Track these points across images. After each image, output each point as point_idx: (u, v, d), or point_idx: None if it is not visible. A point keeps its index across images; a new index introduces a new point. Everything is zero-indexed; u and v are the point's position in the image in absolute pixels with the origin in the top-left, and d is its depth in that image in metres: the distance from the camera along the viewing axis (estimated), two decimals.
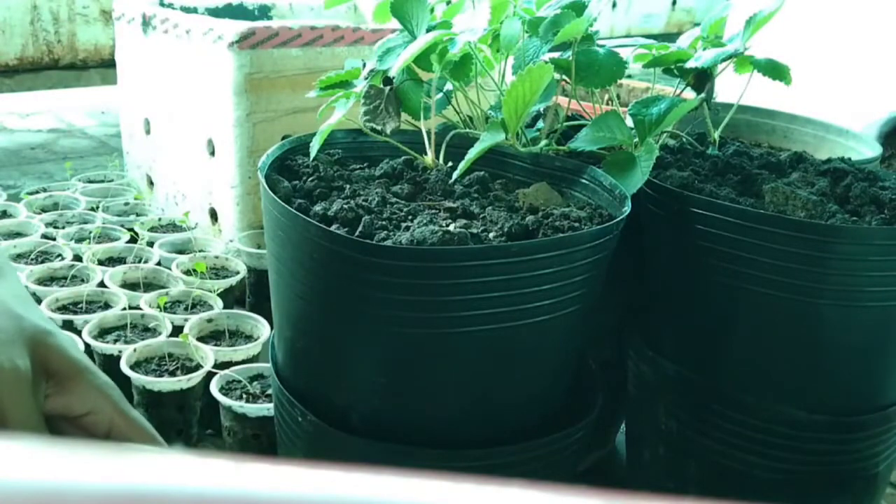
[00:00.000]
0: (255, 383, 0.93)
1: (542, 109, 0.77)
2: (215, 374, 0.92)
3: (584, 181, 0.71)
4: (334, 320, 0.61)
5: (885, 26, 1.73)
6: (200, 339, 1.00)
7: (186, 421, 0.93)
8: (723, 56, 0.77)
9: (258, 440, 0.89)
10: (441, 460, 0.61)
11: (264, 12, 1.62)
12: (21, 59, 2.14)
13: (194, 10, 1.48)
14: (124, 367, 0.91)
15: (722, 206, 0.65)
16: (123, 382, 0.91)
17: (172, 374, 0.93)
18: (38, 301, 1.05)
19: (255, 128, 1.23)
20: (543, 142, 0.74)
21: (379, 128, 0.71)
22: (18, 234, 1.29)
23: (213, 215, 1.34)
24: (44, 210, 1.41)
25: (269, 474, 0.19)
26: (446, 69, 0.74)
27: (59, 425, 0.52)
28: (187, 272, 1.15)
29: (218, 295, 1.09)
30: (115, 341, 0.98)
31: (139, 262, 1.19)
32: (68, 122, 2.42)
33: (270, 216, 0.63)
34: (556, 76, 0.72)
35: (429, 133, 0.73)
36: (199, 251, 1.24)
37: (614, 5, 3.76)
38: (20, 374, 0.48)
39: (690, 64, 0.78)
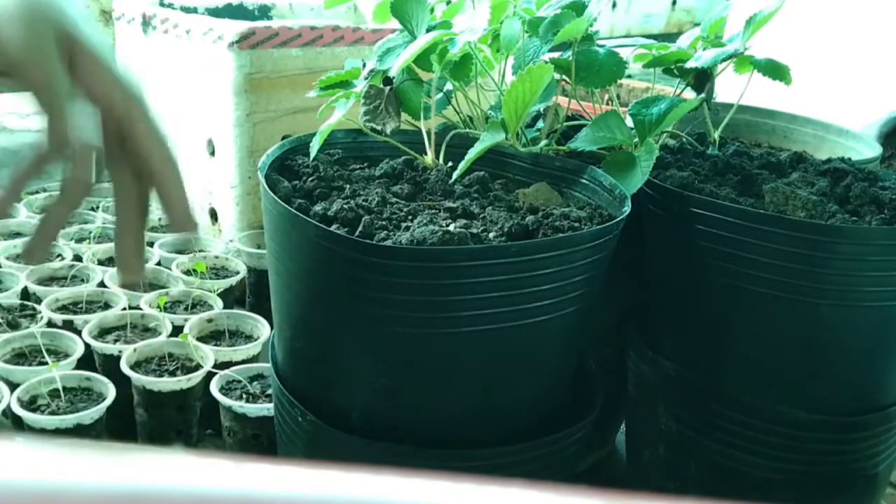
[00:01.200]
0: (255, 383, 0.93)
1: (542, 109, 0.77)
2: (215, 374, 0.92)
3: (584, 181, 0.71)
4: (334, 320, 0.61)
5: (886, 27, 1.73)
6: (200, 339, 1.00)
7: (186, 421, 0.93)
8: (723, 56, 0.77)
9: (258, 440, 0.89)
10: (441, 460, 0.61)
11: (264, 12, 1.62)
12: None
13: (194, 10, 1.48)
14: (124, 367, 0.91)
15: (722, 206, 0.65)
16: (123, 382, 0.91)
17: (172, 374, 0.93)
18: (38, 301, 1.05)
19: (255, 128, 1.23)
20: (543, 142, 0.74)
21: (379, 128, 0.71)
22: (18, 235, 1.29)
23: (213, 215, 1.34)
24: (44, 210, 1.41)
25: (269, 474, 0.19)
26: (446, 69, 0.74)
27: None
28: (187, 272, 1.15)
29: (218, 295, 1.09)
30: (115, 341, 0.98)
31: None
32: None
33: (270, 216, 0.63)
34: (556, 76, 0.72)
35: (429, 133, 0.73)
36: (199, 251, 1.24)
37: (614, 5, 3.76)
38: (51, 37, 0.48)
39: (690, 64, 0.78)
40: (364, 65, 0.75)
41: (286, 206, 0.60)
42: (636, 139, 0.71)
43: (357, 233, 0.59)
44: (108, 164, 0.54)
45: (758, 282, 0.65)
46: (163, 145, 0.53)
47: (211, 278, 1.15)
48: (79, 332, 0.97)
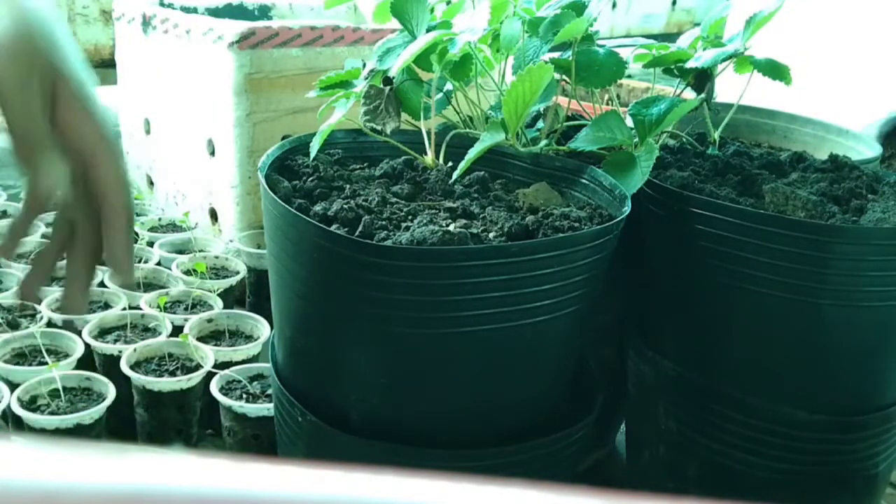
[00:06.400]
0: (255, 383, 0.93)
1: (542, 109, 0.77)
2: (215, 374, 0.92)
3: (584, 181, 0.71)
4: (334, 320, 0.61)
5: (886, 27, 1.73)
6: (200, 339, 1.00)
7: (186, 421, 0.93)
8: (723, 56, 0.77)
9: (258, 440, 0.89)
10: (441, 460, 0.61)
11: (264, 12, 1.62)
12: None
13: (194, 10, 1.48)
14: (124, 367, 0.91)
15: (722, 207, 0.65)
16: (123, 382, 0.91)
17: (172, 374, 0.93)
18: (38, 301, 1.05)
19: (255, 128, 1.23)
20: (543, 142, 0.74)
21: (379, 128, 0.71)
22: None
23: (213, 215, 1.34)
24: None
25: (269, 474, 0.19)
26: (446, 69, 0.74)
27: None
28: (187, 272, 1.15)
29: (218, 295, 1.09)
30: (115, 341, 0.98)
31: (139, 262, 1.19)
32: None
33: (270, 216, 0.63)
34: (556, 76, 0.72)
35: (429, 133, 0.73)
36: (199, 251, 1.24)
37: (614, 5, 3.76)
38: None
39: (690, 64, 0.78)
40: (364, 65, 0.75)
41: (286, 206, 0.60)
42: (636, 139, 0.71)
43: (357, 233, 0.59)
44: (71, 200, 0.54)
45: (758, 282, 0.65)
46: (120, 194, 0.53)
47: (211, 278, 1.15)
48: (79, 332, 0.97)
